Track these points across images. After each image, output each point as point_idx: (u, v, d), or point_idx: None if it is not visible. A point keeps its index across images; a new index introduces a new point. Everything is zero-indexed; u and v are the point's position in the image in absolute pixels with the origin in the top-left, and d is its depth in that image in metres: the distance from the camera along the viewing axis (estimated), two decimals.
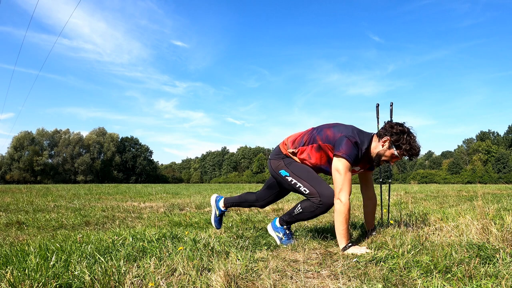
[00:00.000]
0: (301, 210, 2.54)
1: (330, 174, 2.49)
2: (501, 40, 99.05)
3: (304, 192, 2.50)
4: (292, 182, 2.55)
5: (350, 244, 2.31)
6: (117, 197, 10.05)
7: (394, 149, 2.40)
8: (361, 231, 3.02)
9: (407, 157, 2.45)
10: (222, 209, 3.15)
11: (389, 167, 3.65)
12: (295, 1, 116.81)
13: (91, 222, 4.63)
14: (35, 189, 16.21)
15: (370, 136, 2.49)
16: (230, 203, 3.11)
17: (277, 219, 2.75)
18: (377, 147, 2.46)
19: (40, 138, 76.60)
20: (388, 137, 2.40)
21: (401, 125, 2.43)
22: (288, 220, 2.68)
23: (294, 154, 2.63)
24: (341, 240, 2.33)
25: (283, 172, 2.61)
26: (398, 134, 2.38)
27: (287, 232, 2.70)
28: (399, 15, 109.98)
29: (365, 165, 2.58)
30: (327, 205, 2.43)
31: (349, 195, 2.32)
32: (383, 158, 2.44)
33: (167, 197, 9.76)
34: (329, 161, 2.50)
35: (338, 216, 2.32)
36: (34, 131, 77.12)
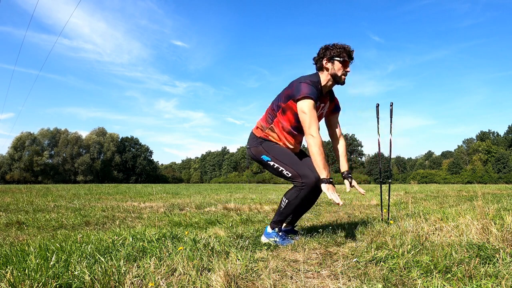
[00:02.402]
0: (286, 201, 2.61)
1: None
2: (501, 40, 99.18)
3: (287, 175, 2.58)
4: (275, 167, 2.64)
5: (330, 180, 2.39)
6: (117, 197, 10.05)
7: (336, 59, 2.57)
8: (361, 230, 3.02)
9: (349, 58, 2.61)
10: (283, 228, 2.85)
11: (389, 167, 3.65)
12: (295, 1, 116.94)
13: (91, 222, 4.63)
14: (35, 189, 16.21)
15: (317, 74, 2.66)
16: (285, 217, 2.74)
17: (268, 226, 2.76)
18: (326, 74, 2.62)
19: (41, 138, 76.61)
20: (325, 59, 2.59)
21: (321, 47, 2.66)
22: (279, 219, 2.69)
23: (272, 130, 2.71)
24: (322, 172, 2.41)
25: (265, 158, 2.70)
26: (326, 50, 2.60)
27: (280, 233, 2.69)
28: (399, 15, 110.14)
29: (325, 101, 2.71)
30: (310, 185, 2.49)
31: (318, 129, 2.46)
32: (340, 73, 2.59)
33: (167, 197, 9.76)
34: (297, 117, 2.59)
35: (313, 148, 2.43)
36: (34, 131, 77.21)
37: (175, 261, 1.91)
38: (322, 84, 2.63)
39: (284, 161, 2.60)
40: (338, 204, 2.23)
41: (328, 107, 2.77)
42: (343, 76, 2.61)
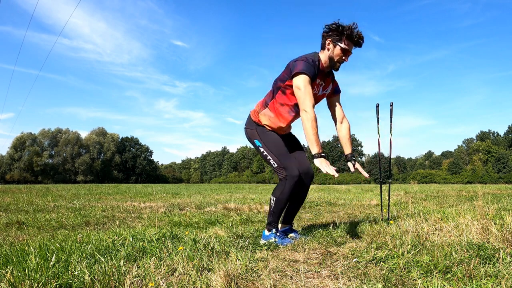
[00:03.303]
0: (274, 199, 2.63)
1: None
2: (501, 40, 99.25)
3: (273, 165, 2.64)
4: (264, 154, 2.68)
5: (322, 154, 2.33)
6: (117, 197, 10.04)
7: (339, 43, 2.49)
8: (361, 230, 3.02)
9: (354, 45, 2.52)
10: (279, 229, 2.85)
11: (389, 167, 3.65)
12: (295, 1, 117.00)
13: (91, 222, 4.63)
14: (35, 189, 16.21)
15: (316, 53, 2.61)
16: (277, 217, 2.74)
17: (265, 230, 2.76)
18: (326, 54, 2.56)
19: (41, 138, 76.61)
20: (329, 39, 2.51)
21: (331, 23, 2.52)
22: (272, 220, 2.69)
23: (265, 114, 2.71)
24: (313, 147, 2.36)
25: (257, 142, 2.73)
26: (333, 30, 2.49)
27: (278, 234, 2.69)
28: (399, 15, 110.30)
29: (327, 80, 2.67)
30: (292, 178, 2.55)
31: (313, 105, 2.41)
32: (336, 58, 2.54)
33: (167, 197, 9.76)
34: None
35: (306, 123, 2.38)
36: (34, 131, 77.29)
37: (175, 261, 1.91)
38: (322, 63, 2.58)
39: (273, 151, 2.64)
40: (334, 176, 2.18)
41: (330, 88, 2.75)
42: (338, 63, 2.57)
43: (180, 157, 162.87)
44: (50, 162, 76.59)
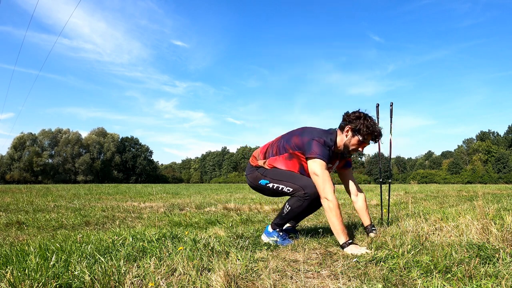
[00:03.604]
0: (289, 208, 2.58)
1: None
2: (501, 40, 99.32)
3: (288, 191, 2.56)
4: (274, 187, 2.61)
5: (350, 241, 2.29)
6: (117, 197, 10.05)
7: (357, 135, 2.49)
8: (361, 230, 3.02)
9: (372, 140, 2.53)
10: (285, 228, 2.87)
11: (389, 167, 3.66)
12: (295, 1, 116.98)
13: (91, 222, 4.63)
14: (35, 189, 16.21)
15: (334, 133, 2.58)
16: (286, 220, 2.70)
17: (269, 226, 2.75)
18: (342, 139, 2.56)
19: (42, 139, 76.62)
20: (349, 126, 2.51)
21: (357, 111, 2.53)
22: (280, 222, 2.68)
23: (264, 164, 2.69)
24: (340, 237, 2.32)
25: (262, 182, 2.67)
26: (357, 119, 2.48)
27: (281, 234, 2.69)
28: (399, 15, 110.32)
29: (334, 161, 2.66)
30: (312, 195, 2.48)
31: (333, 191, 2.38)
32: (352, 147, 2.54)
33: (167, 197, 9.76)
34: (302, 167, 2.57)
35: (329, 213, 2.36)
36: (34, 131, 77.32)
37: (175, 261, 1.90)
38: (337, 145, 2.57)
39: (282, 179, 2.58)
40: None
41: (336, 165, 2.73)
42: (352, 152, 2.56)
43: (180, 157, 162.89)
44: (50, 162, 76.60)
